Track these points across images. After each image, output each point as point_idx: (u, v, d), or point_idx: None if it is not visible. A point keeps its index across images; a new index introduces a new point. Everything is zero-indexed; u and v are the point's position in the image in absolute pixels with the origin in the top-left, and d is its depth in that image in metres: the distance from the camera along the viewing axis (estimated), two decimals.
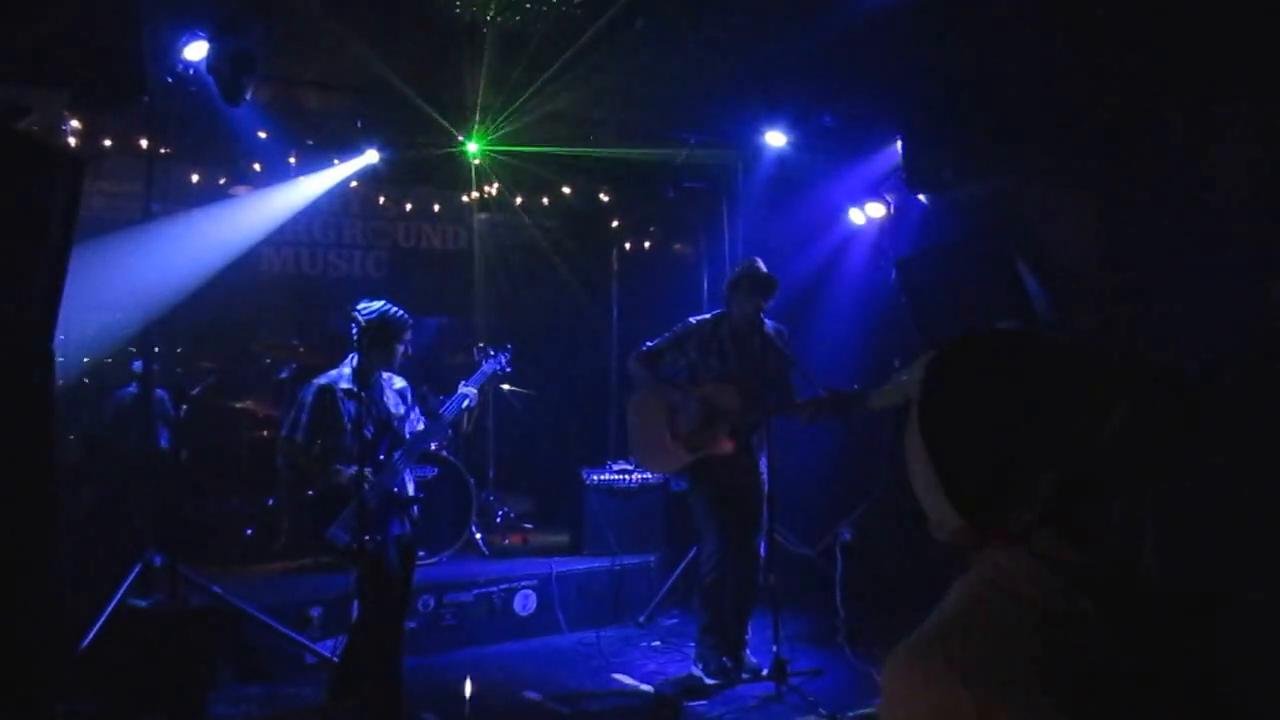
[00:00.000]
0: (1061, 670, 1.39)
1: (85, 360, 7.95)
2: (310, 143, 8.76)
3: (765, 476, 6.39)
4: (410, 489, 5.82)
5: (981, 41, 6.37)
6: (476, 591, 7.48)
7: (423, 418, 5.97)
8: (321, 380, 5.73)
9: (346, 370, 5.72)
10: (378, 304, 5.68)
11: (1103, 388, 1.48)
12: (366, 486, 5.42)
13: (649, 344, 6.60)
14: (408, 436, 5.79)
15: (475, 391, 6.05)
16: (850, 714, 5.78)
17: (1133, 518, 1.49)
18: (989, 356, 1.58)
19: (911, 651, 1.49)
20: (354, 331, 5.66)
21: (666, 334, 6.60)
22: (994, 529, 1.49)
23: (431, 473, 7.96)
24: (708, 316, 6.66)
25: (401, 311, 5.72)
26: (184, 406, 6.91)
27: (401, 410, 5.85)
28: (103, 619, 5.79)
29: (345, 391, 5.63)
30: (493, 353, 6.47)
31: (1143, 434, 1.46)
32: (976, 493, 1.51)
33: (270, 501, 8.20)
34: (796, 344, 6.71)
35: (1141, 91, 5.84)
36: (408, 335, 5.75)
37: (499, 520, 9.09)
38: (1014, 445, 1.48)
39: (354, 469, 5.47)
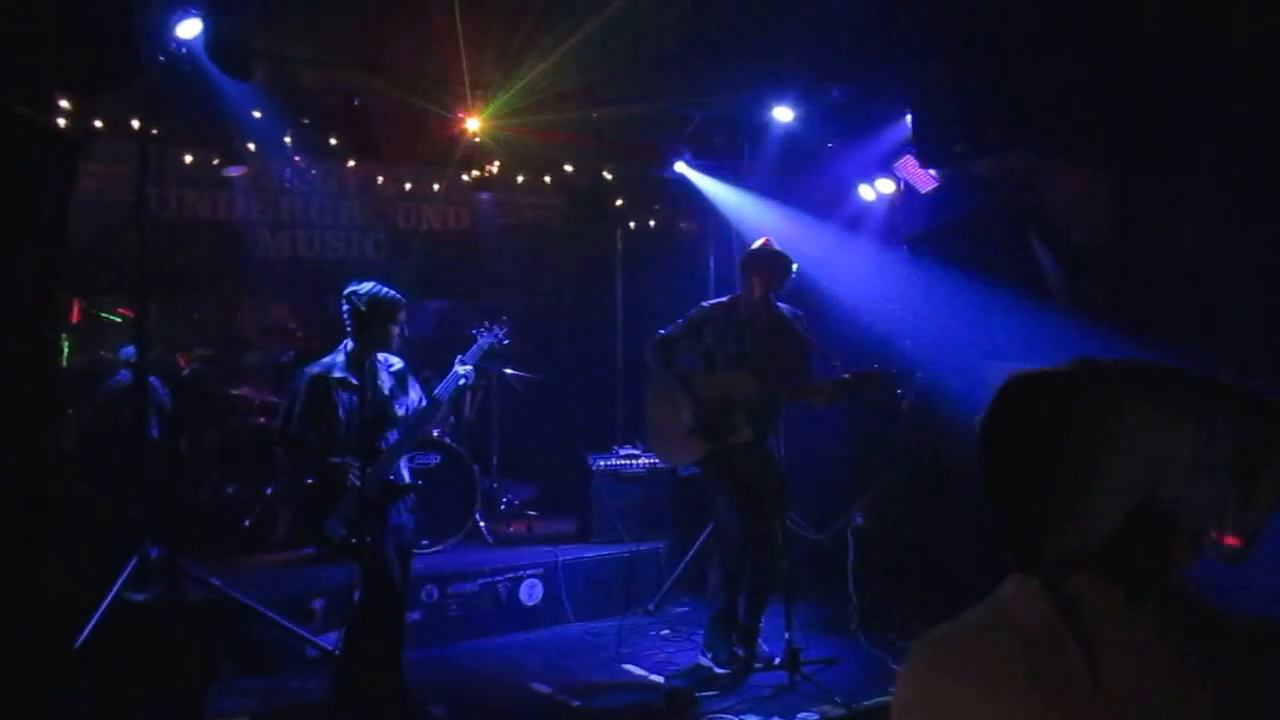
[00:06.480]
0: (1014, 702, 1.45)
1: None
2: (306, 121, 8.62)
3: (782, 462, 6.25)
4: (405, 476, 5.72)
5: (991, 13, 6.26)
6: (481, 581, 7.38)
7: (424, 398, 5.83)
8: (314, 369, 5.61)
9: (340, 358, 5.61)
10: (368, 285, 5.57)
11: (1165, 428, 1.45)
12: (362, 478, 5.33)
13: (663, 331, 6.43)
14: (403, 420, 5.67)
15: (471, 369, 5.89)
16: (865, 703, 5.72)
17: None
18: (1051, 393, 1.54)
19: (914, 653, 1.62)
20: (346, 315, 5.54)
21: (680, 319, 6.43)
22: (1042, 559, 1.51)
23: (434, 459, 7.89)
24: (722, 300, 6.50)
25: (393, 291, 5.61)
26: (177, 393, 6.81)
27: (397, 393, 5.72)
28: (99, 613, 5.68)
29: (338, 380, 5.53)
30: (489, 325, 6.33)
31: (1207, 472, 1.44)
32: (1026, 524, 1.52)
33: (269, 490, 8.09)
34: (808, 324, 6.56)
35: (1156, 65, 5.74)
36: (402, 315, 5.65)
37: (503, 508, 9.04)
38: (1068, 484, 1.47)
39: (349, 459, 5.40)
